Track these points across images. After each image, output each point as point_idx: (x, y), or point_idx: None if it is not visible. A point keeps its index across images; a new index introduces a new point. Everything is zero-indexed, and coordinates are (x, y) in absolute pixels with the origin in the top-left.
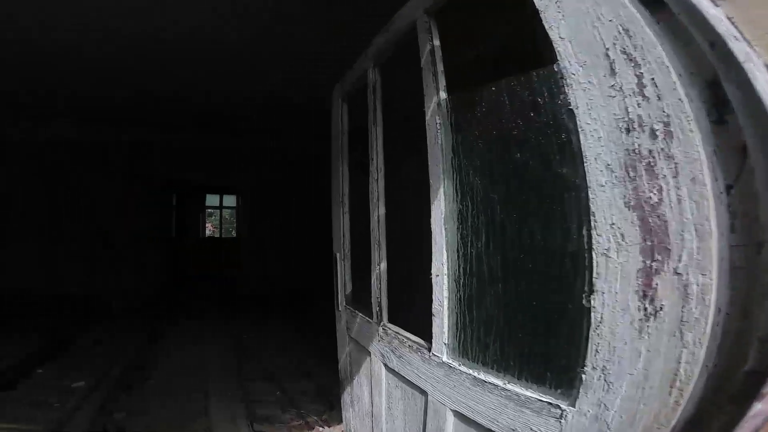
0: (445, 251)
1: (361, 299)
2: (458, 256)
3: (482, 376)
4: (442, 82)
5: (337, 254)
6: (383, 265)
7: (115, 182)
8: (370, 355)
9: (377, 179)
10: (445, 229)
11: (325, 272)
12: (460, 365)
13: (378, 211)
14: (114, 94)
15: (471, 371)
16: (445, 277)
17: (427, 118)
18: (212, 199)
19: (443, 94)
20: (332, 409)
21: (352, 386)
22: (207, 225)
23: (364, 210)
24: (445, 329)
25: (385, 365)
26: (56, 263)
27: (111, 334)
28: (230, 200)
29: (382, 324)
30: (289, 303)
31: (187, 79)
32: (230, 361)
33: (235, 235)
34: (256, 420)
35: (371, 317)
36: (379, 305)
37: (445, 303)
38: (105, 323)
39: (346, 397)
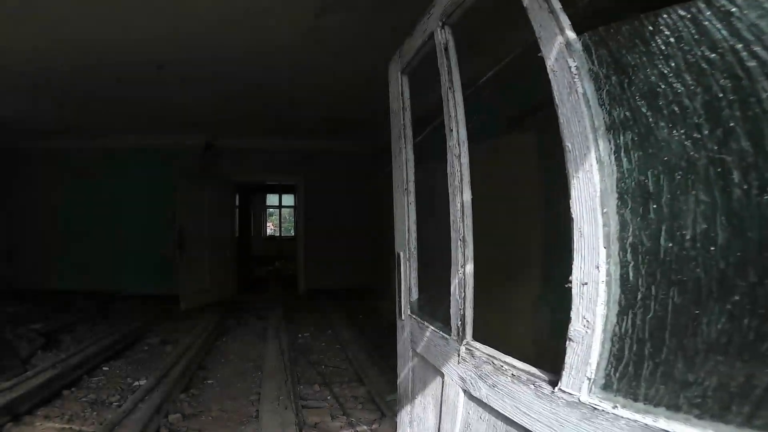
0: (601, 247)
1: (430, 307)
2: (625, 253)
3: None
4: (565, 21)
5: (401, 253)
6: (469, 268)
7: (188, 186)
8: (443, 377)
9: (458, 155)
10: (604, 213)
11: (385, 271)
12: (615, 407)
13: (461, 197)
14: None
15: (642, 418)
16: (602, 285)
17: (550, 63)
18: (272, 199)
19: (570, 34)
20: (383, 417)
21: (412, 406)
22: (268, 224)
23: (437, 198)
24: (593, 359)
25: (466, 392)
26: (143, 265)
27: (178, 332)
28: (289, 199)
29: (465, 342)
30: (348, 301)
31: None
32: (285, 363)
33: (293, 234)
34: (305, 426)
35: (448, 332)
36: (462, 319)
37: (598, 323)
38: (173, 322)
39: (404, 416)
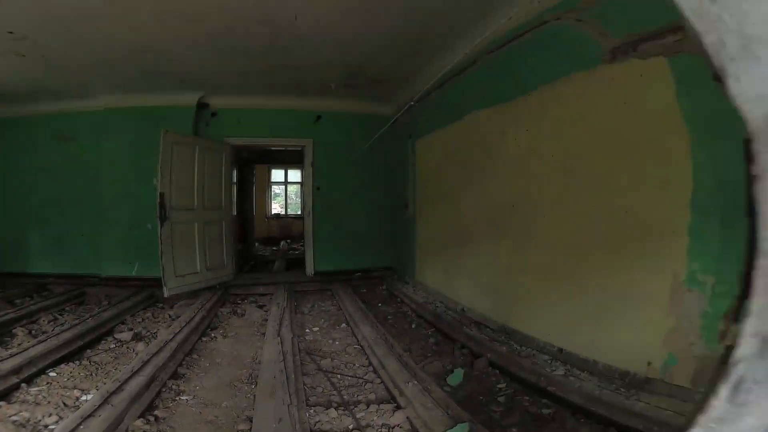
0: None
1: None
2: None
3: None
4: None
5: None
6: None
7: (173, 148)
8: None
9: None
10: None
11: (411, 250)
12: None
13: None
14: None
15: None
16: None
17: None
18: (277, 175)
19: None
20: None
21: None
22: (273, 201)
23: None
24: None
25: None
26: (127, 244)
27: (157, 323)
28: (296, 175)
29: None
30: (366, 285)
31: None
32: (288, 371)
33: (300, 213)
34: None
35: None
36: None
37: None
38: (154, 311)
39: None
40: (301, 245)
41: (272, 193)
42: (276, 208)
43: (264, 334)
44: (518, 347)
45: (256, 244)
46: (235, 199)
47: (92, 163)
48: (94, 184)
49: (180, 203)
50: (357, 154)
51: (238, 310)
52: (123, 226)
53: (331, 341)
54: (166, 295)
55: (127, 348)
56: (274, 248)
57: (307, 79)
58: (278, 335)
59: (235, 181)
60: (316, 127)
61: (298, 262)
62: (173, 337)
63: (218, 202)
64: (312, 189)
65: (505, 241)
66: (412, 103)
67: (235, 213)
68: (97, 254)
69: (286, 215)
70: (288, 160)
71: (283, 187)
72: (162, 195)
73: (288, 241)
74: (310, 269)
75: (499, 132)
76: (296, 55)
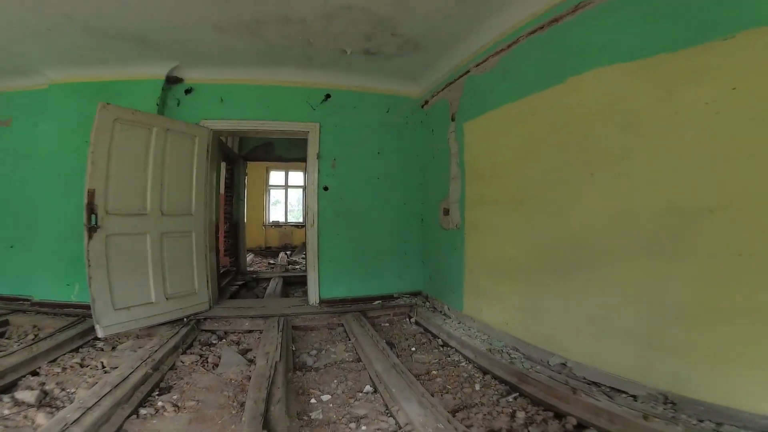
0: None
1: None
2: None
3: None
4: None
5: None
6: None
7: (113, 127)
8: None
9: None
10: None
11: (431, 273)
12: None
13: None
14: None
15: None
16: None
17: None
18: (277, 178)
19: None
20: None
21: None
22: (270, 207)
23: None
24: None
25: None
26: (64, 258)
27: (81, 376)
28: (297, 178)
29: None
30: (391, 318)
31: None
32: None
33: (302, 220)
34: None
35: None
36: None
37: None
38: (81, 356)
39: None
40: (303, 257)
41: (270, 197)
42: (275, 214)
43: (243, 405)
44: (698, 423)
45: (251, 256)
46: (216, 203)
47: (29, 153)
48: (30, 180)
49: (123, 206)
50: (377, 145)
51: (210, 358)
52: (62, 235)
53: (354, 426)
54: (100, 335)
55: (25, 418)
56: (272, 262)
57: (315, 40)
58: (263, 417)
59: (219, 179)
60: (324, 108)
61: (299, 282)
62: (87, 409)
63: (186, 206)
64: (318, 189)
65: (683, 265)
66: (463, 75)
67: (219, 220)
68: (29, 271)
69: (287, 223)
70: (288, 158)
71: (283, 191)
72: (91, 193)
73: (288, 252)
74: (314, 296)
75: (661, 95)
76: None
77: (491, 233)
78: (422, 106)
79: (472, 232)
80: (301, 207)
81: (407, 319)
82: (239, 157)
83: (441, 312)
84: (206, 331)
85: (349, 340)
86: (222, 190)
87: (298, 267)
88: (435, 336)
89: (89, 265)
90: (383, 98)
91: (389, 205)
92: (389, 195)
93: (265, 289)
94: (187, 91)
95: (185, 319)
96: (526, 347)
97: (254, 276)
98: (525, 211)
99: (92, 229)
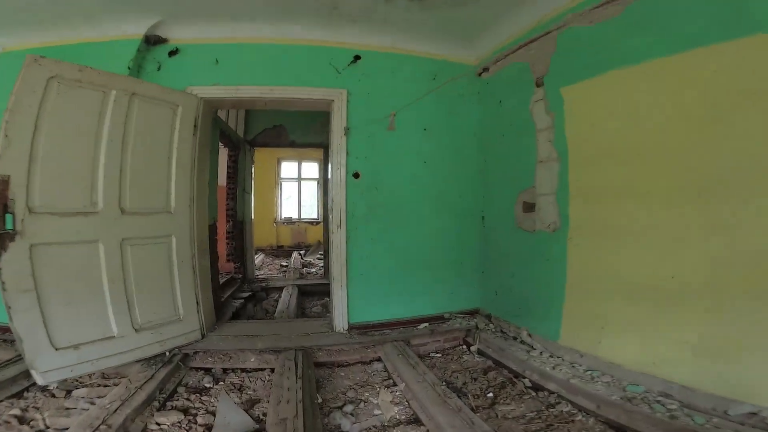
0: None
1: None
2: None
3: None
4: None
5: None
6: None
7: (41, 87)
8: None
9: None
10: None
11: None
12: None
13: None
14: None
15: None
16: None
17: None
18: (289, 169)
19: None
20: None
21: None
22: (282, 202)
23: None
24: None
25: None
26: None
27: None
28: (311, 170)
29: None
30: (424, 343)
31: None
32: None
33: (317, 216)
34: None
35: None
36: None
37: None
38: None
39: None
40: (318, 257)
41: (282, 192)
42: (287, 210)
43: None
44: None
45: (261, 256)
46: (212, 197)
47: None
48: None
49: (58, 201)
50: (422, 120)
51: (200, 416)
52: None
53: None
54: (40, 382)
55: None
56: (284, 264)
57: None
58: None
59: (216, 167)
60: (352, 72)
61: (317, 292)
62: None
63: (161, 201)
64: (346, 177)
65: None
66: (555, 30)
67: (218, 218)
68: None
69: (300, 220)
70: (303, 143)
71: (296, 184)
72: (4, 182)
73: (302, 252)
74: (341, 321)
75: None
76: None
77: (629, 239)
78: (480, 74)
79: (583, 236)
80: (315, 202)
81: (465, 347)
82: (245, 142)
83: (516, 338)
84: (197, 369)
85: (394, 384)
86: (223, 182)
87: (313, 270)
88: (517, 374)
89: (4, 290)
90: (428, 63)
91: (439, 198)
92: (439, 185)
93: (277, 301)
94: (173, 53)
95: (168, 354)
96: (685, 393)
97: (263, 285)
98: (713, 207)
99: (5, 237)
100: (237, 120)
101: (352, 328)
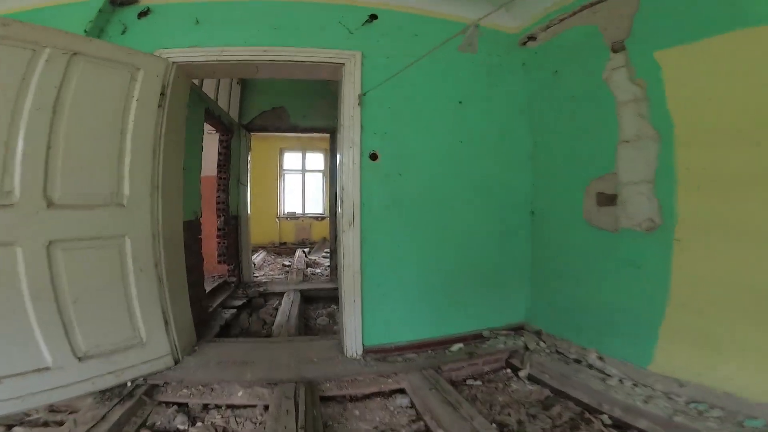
0: None
1: None
2: None
3: None
4: None
5: None
6: None
7: None
8: None
9: None
10: None
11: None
12: None
13: None
14: None
15: None
16: None
17: None
18: (292, 160)
19: None
20: None
21: None
22: (285, 195)
23: None
24: None
25: None
26: None
27: None
28: (316, 161)
29: None
30: (457, 368)
31: None
32: None
33: (322, 211)
34: None
35: None
36: None
37: None
38: None
39: None
40: (324, 256)
41: (285, 184)
42: (290, 204)
43: None
44: None
45: (262, 254)
46: (193, 188)
47: None
48: None
49: None
50: (455, 91)
51: None
52: None
53: None
54: None
55: None
56: (287, 263)
57: None
58: None
59: (200, 151)
60: (367, 33)
61: (322, 298)
62: None
63: (110, 189)
64: (360, 159)
65: None
66: None
67: (202, 214)
68: None
69: (304, 215)
70: (306, 127)
71: (300, 176)
72: None
73: (306, 249)
74: (353, 343)
75: None
76: None
77: (763, 241)
78: (524, 43)
79: (696, 236)
80: (320, 195)
81: (509, 371)
82: (240, 126)
83: (579, 362)
84: (167, 404)
85: (427, 429)
86: (212, 171)
87: (318, 271)
88: (590, 409)
89: None
90: (459, 27)
91: (479, 188)
92: (478, 172)
93: (277, 309)
94: (143, 14)
95: (129, 384)
96: None
97: (262, 290)
98: None
99: None
100: (230, 100)
101: (367, 352)
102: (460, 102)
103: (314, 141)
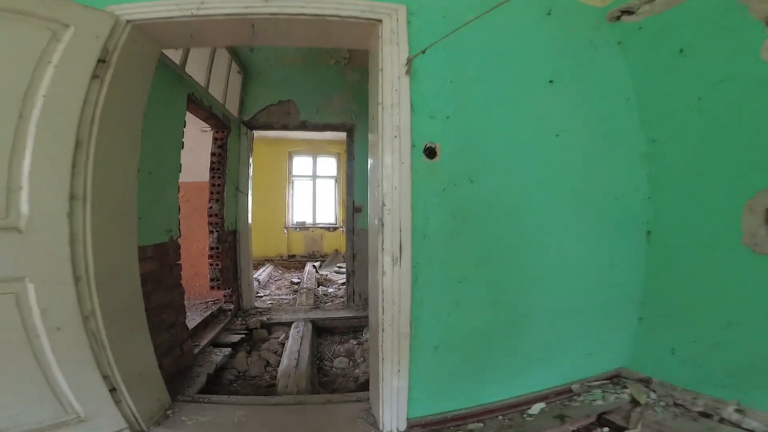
0: None
1: None
2: None
3: None
4: None
5: None
6: None
7: None
8: None
9: None
10: None
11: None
12: None
13: None
14: None
15: None
16: None
17: None
18: (302, 165)
19: None
20: None
21: None
22: (293, 203)
23: None
24: None
25: None
26: None
27: None
28: (328, 166)
29: None
30: None
31: None
32: None
33: (335, 221)
34: None
35: None
36: None
37: None
38: None
39: None
40: (337, 270)
41: (294, 191)
42: (300, 213)
43: None
44: None
45: (269, 269)
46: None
47: None
48: None
49: None
50: (542, 66)
51: None
52: None
53: None
54: None
55: None
56: (295, 280)
57: None
58: None
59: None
60: None
61: (338, 330)
62: None
63: None
64: (410, 156)
65: None
66: None
67: (180, 234)
68: None
69: (315, 225)
70: (318, 123)
71: (311, 182)
72: None
73: (316, 263)
74: (392, 416)
75: None
76: None
77: None
78: (618, 18)
79: None
80: (334, 203)
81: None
82: (240, 123)
83: (709, 416)
84: None
85: None
86: (197, 177)
87: (331, 291)
88: None
89: None
90: None
91: (575, 202)
92: (577, 177)
93: (283, 344)
94: None
95: None
96: None
97: (265, 319)
98: None
99: None
100: (227, 90)
101: (413, 426)
102: (551, 81)
103: (326, 144)
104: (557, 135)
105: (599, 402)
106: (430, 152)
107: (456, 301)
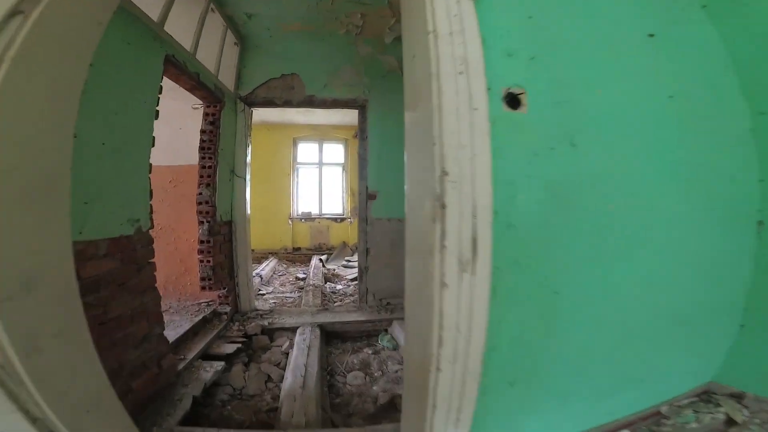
0: None
1: None
2: None
3: None
4: None
5: None
6: None
7: None
8: None
9: None
10: None
11: None
12: None
13: None
14: None
15: None
16: None
17: None
18: (307, 152)
19: None
20: None
21: None
22: (298, 194)
23: None
24: None
25: None
26: None
27: None
28: (336, 153)
29: None
30: None
31: None
32: None
33: (342, 211)
34: None
35: None
36: None
37: None
38: None
39: None
40: (345, 264)
41: (298, 180)
42: (305, 203)
43: None
44: None
45: (272, 262)
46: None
47: None
48: None
49: None
50: (640, 15)
51: None
52: None
53: None
54: None
55: None
56: (300, 276)
57: None
58: None
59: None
60: None
61: (350, 336)
62: None
63: None
64: (487, 101)
65: None
66: None
67: (153, 225)
68: None
69: (321, 215)
70: (326, 98)
71: (317, 170)
72: None
73: (323, 256)
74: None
75: None
76: None
77: None
78: None
79: None
80: (342, 192)
81: None
82: (237, 99)
83: None
84: None
85: None
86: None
87: (339, 287)
88: None
89: None
90: None
91: (682, 181)
92: (683, 153)
93: (287, 354)
94: None
95: None
96: None
97: (266, 323)
98: None
99: None
100: (221, 61)
101: None
102: (651, 35)
103: (332, 130)
104: (671, 96)
105: (693, 425)
106: (513, 100)
107: (547, 321)
